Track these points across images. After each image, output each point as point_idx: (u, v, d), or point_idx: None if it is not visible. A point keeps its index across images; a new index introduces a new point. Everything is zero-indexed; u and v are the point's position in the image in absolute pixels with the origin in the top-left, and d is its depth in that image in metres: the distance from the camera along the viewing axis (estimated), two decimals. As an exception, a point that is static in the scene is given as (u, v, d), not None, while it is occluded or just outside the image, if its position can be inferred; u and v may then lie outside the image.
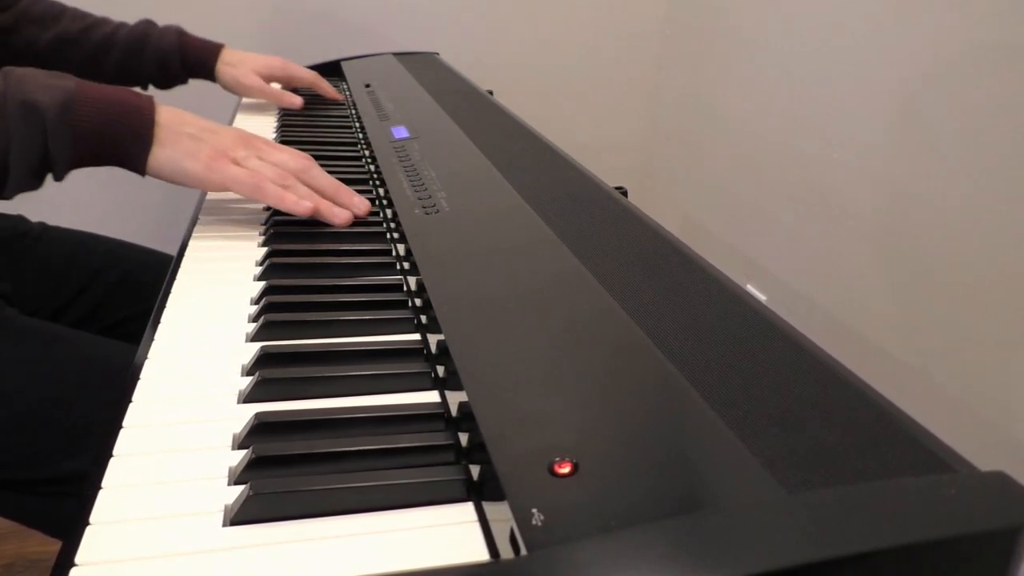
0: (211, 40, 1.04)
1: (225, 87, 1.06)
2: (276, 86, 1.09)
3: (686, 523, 0.28)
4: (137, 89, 0.73)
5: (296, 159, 0.67)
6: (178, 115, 0.63)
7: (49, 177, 0.61)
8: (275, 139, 0.96)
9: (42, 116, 0.57)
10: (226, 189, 0.64)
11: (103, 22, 1.00)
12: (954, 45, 0.99)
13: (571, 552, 0.27)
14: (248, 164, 0.64)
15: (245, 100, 1.18)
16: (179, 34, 1.01)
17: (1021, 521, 0.28)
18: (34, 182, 0.60)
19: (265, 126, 1.03)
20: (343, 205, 0.67)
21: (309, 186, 0.67)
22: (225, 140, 0.64)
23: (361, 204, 0.68)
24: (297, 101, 1.07)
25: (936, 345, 1.03)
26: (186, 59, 1.01)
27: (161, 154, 0.61)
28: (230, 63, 1.03)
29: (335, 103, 1.14)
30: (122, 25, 1.00)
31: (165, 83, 1.03)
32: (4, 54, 0.95)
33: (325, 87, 1.14)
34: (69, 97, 0.58)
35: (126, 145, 0.61)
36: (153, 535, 0.34)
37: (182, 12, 1.44)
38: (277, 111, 1.12)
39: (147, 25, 1.01)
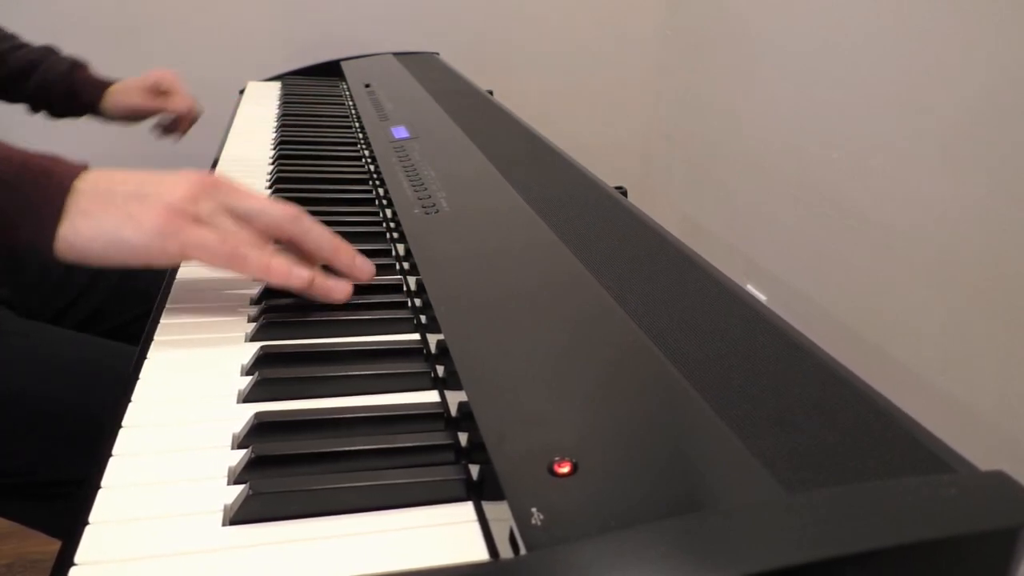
0: (104, 79, 1.04)
1: (114, 117, 1.05)
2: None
3: (686, 523, 0.28)
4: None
5: (280, 207, 0.50)
6: (109, 174, 0.47)
7: None
8: (274, 140, 0.95)
9: None
10: (188, 259, 0.47)
11: (9, 38, 0.99)
12: (954, 45, 0.99)
13: (571, 552, 0.27)
14: (216, 222, 0.47)
15: (247, 94, 1.19)
16: (75, 67, 1.01)
17: (1021, 521, 0.28)
18: None
19: (265, 125, 1.03)
20: (343, 267, 0.53)
21: (300, 244, 0.51)
22: (177, 191, 0.46)
23: (364, 266, 0.53)
24: (189, 102, 1.07)
25: (936, 345, 1.03)
26: (72, 93, 1.00)
27: (83, 225, 0.45)
28: (116, 91, 1.03)
29: (336, 103, 1.14)
30: (23, 46, 1.00)
31: (52, 114, 1.03)
32: None
33: (180, 97, 1.08)
34: None
35: (20, 216, 0.45)
36: (153, 535, 0.34)
37: (181, 13, 1.44)
38: (277, 108, 1.12)
39: (45, 50, 1.00)
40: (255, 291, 0.56)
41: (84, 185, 0.46)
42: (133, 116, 1.06)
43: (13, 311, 0.75)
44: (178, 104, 1.06)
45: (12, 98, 1.01)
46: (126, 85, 1.04)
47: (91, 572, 0.32)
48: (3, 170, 0.45)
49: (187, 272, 0.59)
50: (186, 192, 0.47)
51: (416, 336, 0.51)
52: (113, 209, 0.45)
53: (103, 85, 1.03)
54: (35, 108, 1.03)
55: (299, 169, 0.82)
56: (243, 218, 0.49)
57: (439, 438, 0.40)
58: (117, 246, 0.46)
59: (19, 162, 0.45)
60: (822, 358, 0.40)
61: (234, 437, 0.41)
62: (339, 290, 0.51)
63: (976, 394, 0.97)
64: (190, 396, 0.44)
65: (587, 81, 1.74)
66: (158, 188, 0.47)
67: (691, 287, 0.48)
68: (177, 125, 1.09)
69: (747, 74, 1.46)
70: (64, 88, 1.00)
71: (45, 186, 0.45)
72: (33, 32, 1.04)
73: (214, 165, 0.86)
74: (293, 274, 0.49)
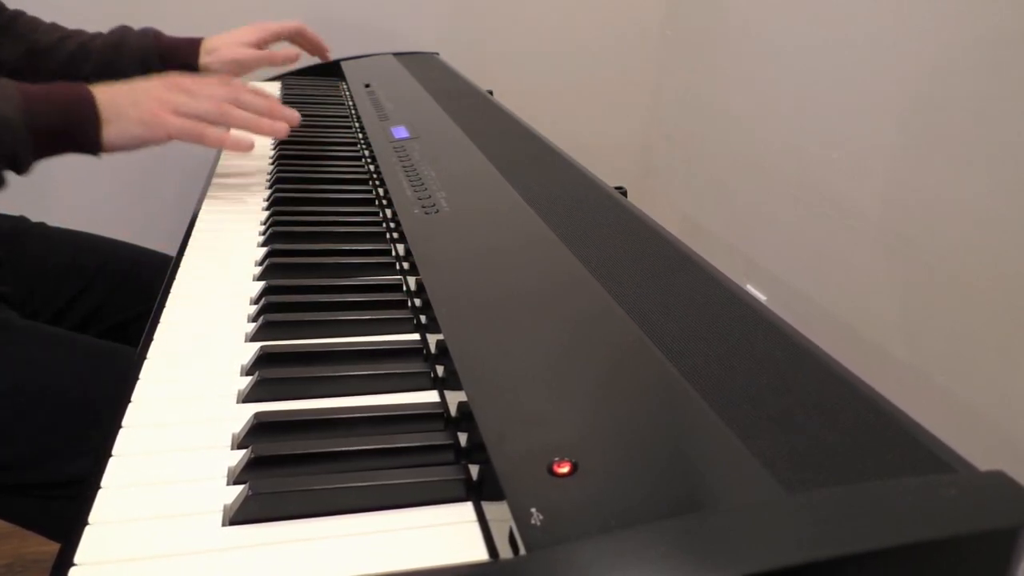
0: (189, 37, 1.02)
1: (217, 70, 1.03)
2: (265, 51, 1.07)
3: (686, 523, 0.28)
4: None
5: (223, 88, 0.73)
6: (112, 90, 0.68)
7: (43, 179, 0.66)
8: (274, 142, 0.95)
9: (9, 126, 0.62)
10: (170, 139, 0.69)
11: (79, 33, 0.98)
12: (953, 44, 0.99)
13: (570, 552, 0.27)
14: (186, 109, 0.69)
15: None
16: (155, 36, 1.00)
17: (1021, 521, 0.28)
18: (1, 182, 0.66)
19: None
20: (279, 118, 0.74)
21: (245, 109, 0.73)
22: (158, 93, 0.69)
23: (292, 115, 0.76)
24: (293, 54, 1.06)
25: (936, 345, 1.03)
26: (166, 59, 0.99)
27: (110, 131, 0.67)
28: (211, 50, 1.02)
29: (336, 103, 1.14)
30: (98, 35, 0.99)
31: None
32: None
33: (311, 36, 1.12)
34: (23, 101, 0.64)
35: (80, 132, 0.66)
36: (152, 535, 0.34)
37: (181, 12, 1.44)
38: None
39: (123, 30, 0.99)
40: (255, 291, 0.56)
41: (101, 99, 0.67)
42: (236, 70, 1.04)
43: (14, 310, 0.74)
44: (279, 59, 1.06)
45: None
46: (220, 42, 1.03)
47: (91, 572, 0.32)
48: (53, 103, 0.65)
49: (187, 273, 0.59)
50: (163, 92, 0.70)
51: (416, 336, 0.51)
52: (124, 116, 0.67)
53: (195, 42, 1.02)
54: None
55: (299, 169, 0.82)
56: (204, 99, 0.71)
57: (439, 438, 0.40)
58: (132, 140, 0.68)
59: (58, 97, 0.66)
60: (822, 358, 0.40)
61: (234, 437, 0.41)
62: (279, 127, 0.74)
63: (976, 394, 0.97)
64: (190, 396, 0.44)
65: (587, 81, 1.74)
66: (146, 95, 0.69)
67: (691, 287, 0.48)
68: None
69: (747, 74, 1.45)
70: (159, 56, 0.98)
71: (85, 107, 0.66)
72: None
73: (214, 165, 0.86)
74: (243, 138, 0.72)
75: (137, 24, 1.03)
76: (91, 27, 1.01)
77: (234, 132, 0.72)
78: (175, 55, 1.00)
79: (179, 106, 0.69)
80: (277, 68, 1.33)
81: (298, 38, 1.12)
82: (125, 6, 1.41)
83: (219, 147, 0.72)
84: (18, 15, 0.96)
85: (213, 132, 0.70)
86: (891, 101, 1.09)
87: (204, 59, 1.01)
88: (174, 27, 1.07)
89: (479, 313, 0.46)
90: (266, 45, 1.06)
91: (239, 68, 1.03)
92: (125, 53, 0.97)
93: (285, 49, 1.06)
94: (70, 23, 1.01)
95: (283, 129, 0.74)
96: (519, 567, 0.28)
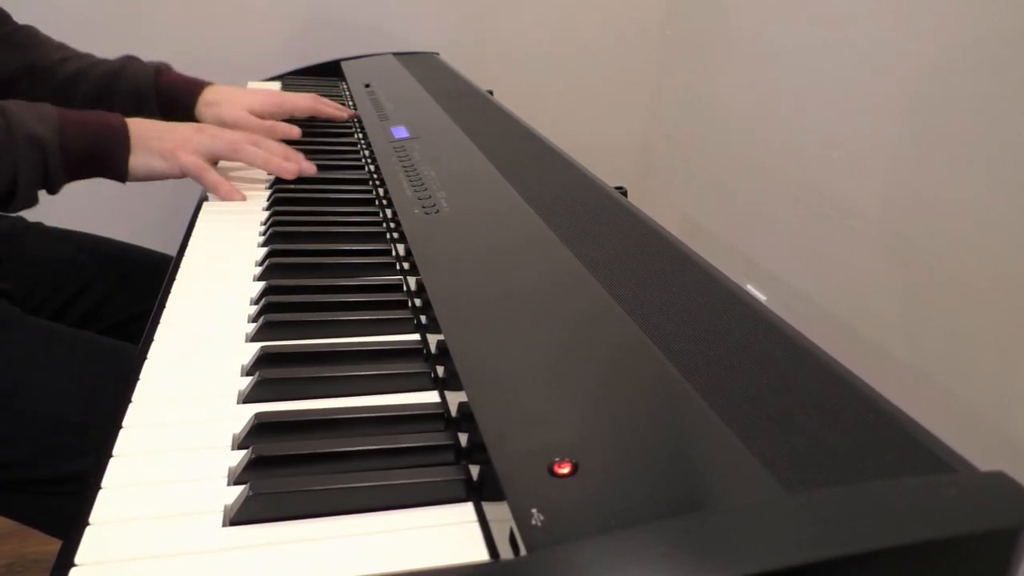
0: (197, 78, 0.95)
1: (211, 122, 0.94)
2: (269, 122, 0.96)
3: (686, 523, 0.28)
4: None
5: (247, 135, 0.79)
6: (143, 124, 0.74)
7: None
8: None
9: (43, 145, 0.66)
10: (183, 175, 0.74)
11: (84, 56, 0.94)
12: (953, 44, 0.99)
13: (571, 552, 0.27)
14: (202, 148, 0.75)
15: None
16: (157, 70, 0.93)
17: (1021, 521, 0.28)
18: (34, 200, 0.69)
19: (265, 126, 1.02)
20: (292, 161, 0.78)
21: (243, 162, 0.77)
22: (183, 134, 0.75)
23: (310, 167, 0.80)
24: (295, 132, 0.92)
25: (936, 345, 1.03)
26: (163, 98, 0.93)
27: (135, 161, 0.72)
28: (211, 102, 0.92)
29: (336, 103, 1.14)
30: (103, 61, 0.93)
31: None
32: None
33: (327, 110, 1.01)
34: (60, 124, 0.68)
35: (110, 159, 0.71)
36: (153, 535, 0.34)
37: (181, 13, 1.44)
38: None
39: (126, 60, 0.94)
40: (255, 291, 0.56)
41: (133, 132, 0.72)
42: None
43: (16, 307, 0.74)
44: (279, 134, 0.91)
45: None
46: (225, 97, 0.94)
47: (91, 572, 0.32)
48: (93, 129, 0.70)
49: (187, 272, 0.59)
50: (188, 134, 0.75)
51: (416, 336, 0.51)
52: (149, 148, 0.73)
53: (197, 87, 0.94)
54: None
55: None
56: (221, 141, 0.77)
57: (439, 438, 0.40)
58: (151, 171, 0.73)
59: (93, 124, 0.71)
60: (822, 358, 0.40)
61: (234, 437, 0.41)
62: (289, 168, 0.78)
63: (976, 394, 0.97)
64: (190, 396, 0.44)
65: (587, 81, 1.74)
66: (171, 135, 0.75)
67: (691, 287, 0.48)
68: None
69: (747, 74, 1.46)
70: (155, 92, 0.92)
71: (116, 136, 0.71)
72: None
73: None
74: (257, 153, 0.78)
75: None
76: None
77: (230, 185, 0.76)
78: (171, 96, 0.93)
79: (197, 145, 0.75)
80: (275, 68, 1.34)
81: (316, 115, 1.02)
82: (124, 5, 1.42)
83: (214, 192, 0.75)
84: (22, 28, 0.94)
85: (212, 175, 0.75)
86: (891, 101, 1.10)
87: (201, 109, 0.93)
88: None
89: (479, 313, 0.46)
90: (272, 117, 0.95)
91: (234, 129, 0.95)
92: (121, 85, 0.91)
93: (288, 125, 0.94)
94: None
95: (292, 170, 0.78)
96: (519, 567, 0.28)
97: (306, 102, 1.00)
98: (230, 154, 0.77)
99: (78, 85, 0.92)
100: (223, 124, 0.92)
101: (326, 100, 1.03)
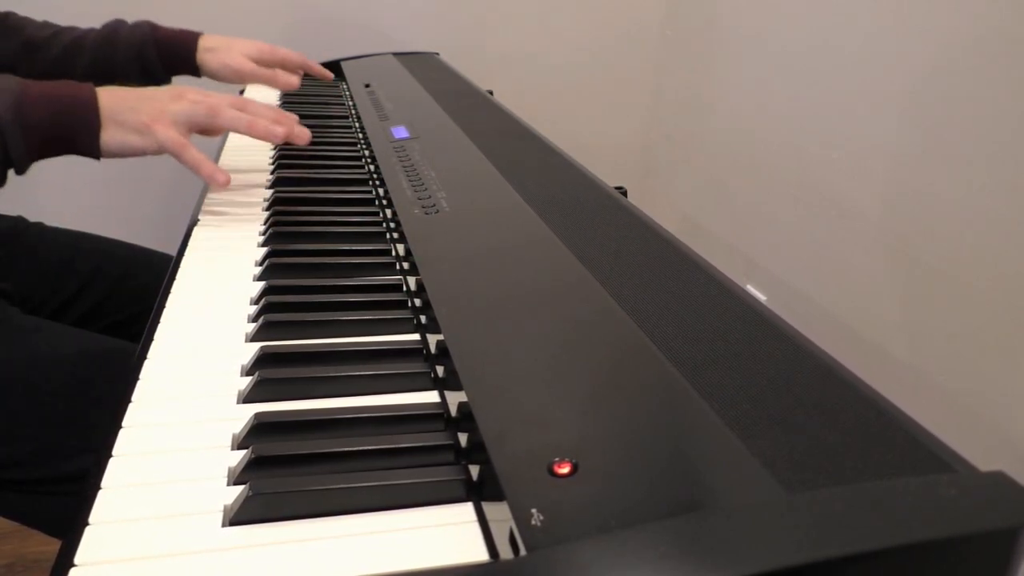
0: (188, 29, 0.98)
1: (212, 76, 0.98)
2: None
3: (686, 523, 0.28)
4: None
5: (231, 97, 0.72)
6: (116, 94, 0.67)
7: (40, 179, 0.65)
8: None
9: None
10: (162, 150, 0.68)
11: (72, 29, 0.95)
12: (953, 44, 0.99)
13: (570, 552, 0.27)
14: (181, 116, 0.68)
15: (245, 93, 1.18)
16: (151, 27, 0.95)
17: (1021, 521, 0.28)
18: (1, 181, 0.64)
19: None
20: (283, 124, 0.72)
21: (221, 128, 0.72)
22: (159, 103, 0.68)
23: (303, 132, 0.74)
24: (295, 81, 1.00)
25: (936, 345, 1.03)
26: (163, 51, 0.95)
27: (108, 136, 0.66)
28: (212, 48, 0.96)
29: (336, 103, 1.14)
30: (92, 30, 0.95)
31: (146, 84, 0.96)
32: None
33: (314, 66, 1.08)
34: (17, 99, 0.62)
35: (77, 135, 0.65)
36: (153, 535, 0.34)
37: (180, 13, 1.44)
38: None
39: (116, 23, 0.96)
40: (255, 291, 0.56)
41: (103, 103, 0.66)
42: (232, 77, 0.98)
43: (15, 306, 0.74)
44: (281, 83, 1.00)
45: (99, 81, 0.91)
46: (223, 44, 0.97)
47: (91, 572, 0.32)
48: (57, 103, 0.64)
49: (187, 272, 0.59)
50: (165, 102, 0.68)
51: (416, 336, 0.51)
52: (122, 122, 0.66)
53: (193, 35, 0.96)
54: (124, 85, 0.95)
55: (299, 169, 0.82)
56: (203, 105, 0.70)
57: (439, 438, 0.40)
58: (126, 147, 0.67)
59: (58, 97, 0.64)
60: (822, 358, 0.40)
61: (234, 437, 0.41)
62: (277, 131, 0.72)
63: (976, 394, 0.97)
64: (190, 396, 0.44)
65: (587, 81, 1.74)
66: (148, 104, 0.67)
67: (691, 287, 0.48)
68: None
69: (747, 74, 1.46)
70: (155, 46, 0.94)
71: (84, 109, 0.65)
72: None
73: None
74: (242, 117, 0.71)
75: (129, 16, 1.02)
76: (89, 24, 1.01)
77: (212, 165, 0.69)
78: (171, 46, 0.95)
79: (176, 114, 0.68)
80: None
81: (303, 69, 1.06)
82: (124, 5, 1.42)
83: (196, 170, 0.68)
84: (5, 16, 0.94)
85: (193, 152, 0.68)
86: (891, 101, 1.10)
87: (202, 55, 0.96)
88: (172, 26, 1.06)
89: (479, 313, 0.46)
90: (266, 65, 1.01)
91: (235, 76, 0.98)
92: (120, 45, 0.94)
93: (289, 74, 1.00)
94: (67, 20, 1.00)
95: (280, 133, 0.72)
96: (519, 567, 0.28)
97: (295, 55, 1.04)
98: (211, 119, 0.70)
99: (76, 55, 0.93)
100: (229, 68, 0.96)
101: (313, 62, 1.08)
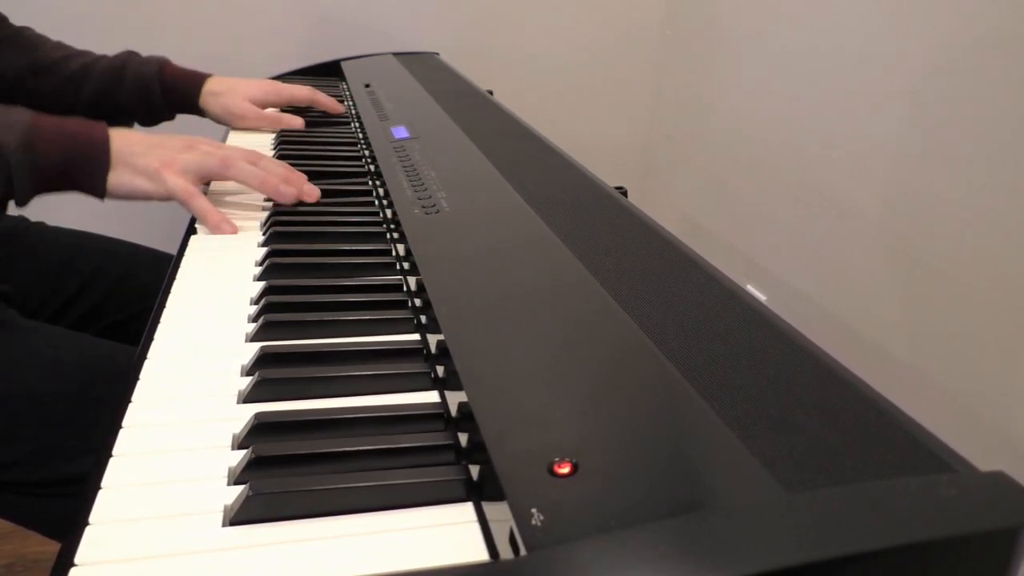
0: (197, 70, 0.98)
1: (214, 119, 0.99)
2: (271, 110, 1.02)
3: (686, 523, 0.28)
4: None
5: (244, 151, 0.71)
6: (128, 137, 0.67)
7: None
8: (275, 142, 0.95)
9: (3, 154, 0.61)
10: (170, 197, 0.67)
11: (85, 53, 0.95)
12: (953, 44, 0.99)
13: (571, 552, 0.27)
14: (191, 166, 0.68)
15: None
16: (160, 64, 0.95)
17: (1021, 521, 0.28)
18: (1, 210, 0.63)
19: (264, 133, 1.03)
20: (293, 185, 0.71)
21: (234, 180, 0.71)
22: (170, 151, 0.68)
23: (312, 191, 0.73)
24: (298, 122, 1.00)
25: (936, 345, 1.03)
26: (167, 91, 0.95)
27: (115, 178, 0.66)
28: (216, 92, 0.97)
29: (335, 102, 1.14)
30: (103, 57, 0.95)
31: (149, 118, 0.97)
32: None
33: (323, 100, 1.05)
34: (29, 134, 0.62)
35: (85, 174, 0.65)
36: (153, 535, 0.34)
37: (180, 13, 1.44)
38: (277, 108, 1.11)
39: (128, 55, 0.95)
40: (255, 291, 0.56)
41: (114, 145, 0.66)
42: (234, 123, 0.99)
43: (13, 308, 0.74)
44: (283, 124, 1.00)
45: (102, 111, 0.93)
46: (227, 87, 0.98)
47: (91, 572, 0.32)
48: (69, 140, 0.64)
49: (187, 272, 0.59)
50: (176, 151, 0.68)
51: (416, 336, 0.51)
52: (131, 165, 0.66)
53: (200, 78, 0.97)
54: (127, 118, 0.96)
55: (299, 169, 0.82)
56: (216, 157, 0.70)
57: (439, 438, 0.40)
58: (133, 190, 0.67)
59: (70, 133, 0.65)
60: (822, 358, 0.40)
61: (234, 437, 0.41)
62: (287, 192, 0.71)
63: (976, 394, 0.97)
64: (190, 396, 0.44)
65: (587, 81, 1.74)
66: (159, 151, 0.68)
67: (691, 287, 0.48)
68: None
69: (747, 74, 1.46)
70: (160, 85, 0.94)
71: (94, 150, 0.65)
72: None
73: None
74: (256, 173, 0.71)
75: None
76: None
77: (220, 215, 0.68)
78: (176, 88, 0.95)
79: (187, 163, 0.68)
80: (275, 68, 1.34)
81: (312, 106, 1.06)
82: (124, 5, 1.42)
83: (203, 220, 0.67)
84: (22, 30, 0.94)
85: (201, 202, 0.68)
86: (891, 101, 1.10)
87: (205, 99, 0.96)
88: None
89: (479, 313, 0.46)
90: (272, 105, 1.02)
91: (237, 121, 0.99)
92: (126, 80, 0.93)
93: (293, 116, 1.01)
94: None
95: (291, 194, 0.71)
96: (519, 567, 0.28)
97: (304, 92, 1.03)
98: (222, 172, 0.70)
99: (82, 82, 0.93)
100: (230, 114, 0.97)
101: (322, 95, 1.05)
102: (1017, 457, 0.92)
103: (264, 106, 1.00)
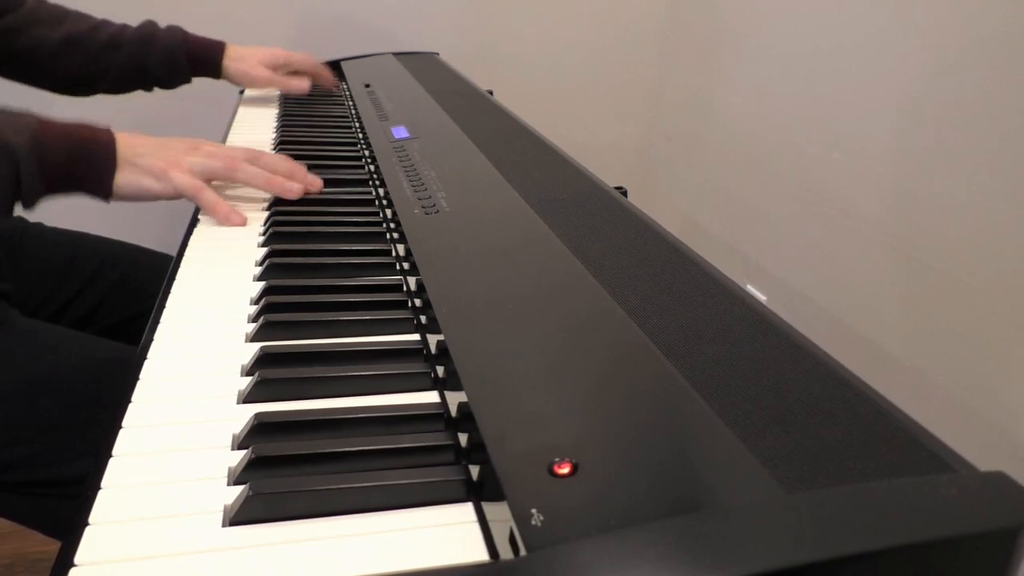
0: (213, 38, 1.08)
1: (233, 81, 1.09)
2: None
3: (685, 523, 0.28)
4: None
5: (245, 150, 0.72)
6: (133, 139, 0.68)
7: None
8: (274, 140, 0.96)
9: (14, 156, 0.61)
10: (178, 195, 0.69)
11: (107, 23, 1.02)
12: (953, 44, 0.99)
13: (571, 552, 0.27)
14: (198, 167, 0.69)
15: (247, 94, 1.19)
16: (183, 33, 1.04)
17: (1021, 521, 0.28)
18: (6, 214, 0.64)
19: (265, 125, 1.03)
20: (299, 181, 0.73)
21: (263, 168, 0.72)
22: (176, 153, 0.69)
23: (315, 181, 0.75)
24: (305, 85, 1.13)
25: (936, 345, 1.03)
26: (192, 57, 1.04)
27: (122, 178, 0.66)
28: (235, 58, 1.07)
29: (336, 103, 1.14)
30: (126, 26, 1.02)
31: (170, 83, 1.05)
32: (10, 55, 0.96)
33: (322, 72, 1.18)
34: (36, 136, 0.62)
35: (91, 175, 0.65)
36: (153, 535, 0.34)
37: (180, 11, 1.44)
38: (277, 108, 1.12)
39: (151, 25, 1.03)
40: (255, 291, 0.56)
41: (120, 147, 0.67)
42: (250, 84, 1.11)
43: (14, 308, 0.74)
44: (293, 87, 1.12)
45: (130, 77, 1.03)
46: (244, 53, 1.08)
47: (91, 572, 0.32)
48: (75, 141, 0.64)
49: (187, 273, 0.59)
50: (180, 152, 0.69)
51: (416, 336, 0.51)
52: (137, 165, 0.67)
53: (220, 45, 1.07)
54: (152, 83, 1.05)
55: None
56: (219, 157, 0.71)
57: (439, 438, 0.40)
58: (140, 190, 0.67)
59: (76, 135, 0.65)
60: (822, 358, 0.40)
61: (234, 437, 0.41)
62: (293, 188, 0.72)
63: (976, 394, 0.97)
64: (190, 396, 0.44)
65: (587, 81, 1.74)
66: (164, 151, 0.69)
67: (691, 287, 0.48)
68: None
69: (748, 74, 1.46)
70: (186, 53, 1.03)
71: (98, 153, 0.66)
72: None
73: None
74: (258, 173, 0.72)
75: (137, 14, 1.05)
76: (95, 14, 1.03)
77: (228, 206, 0.69)
78: (199, 56, 1.05)
79: (193, 164, 0.69)
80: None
81: (310, 72, 1.17)
82: (124, 5, 1.42)
83: (212, 212, 0.69)
84: (41, 3, 0.98)
85: (210, 195, 0.69)
86: (891, 101, 1.10)
87: (227, 62, 1.06)
88: (173, 22, 1.07)
89: (479, 313, 0.46)
90: (279, 70, 1.13)
91: (253, 83, 1.10)
92: (155, 47, 1.01)
93: (300, 79, 1.13)
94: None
95: (296, 190, 0.72)
96: (519, 567, 0.28)
97: (307, 62, 1.16)
98: (227, 173, 0.70)
99: (112, 54, 1.00)
100: (247, 76, 1.08)
101: (322, 67, 1.19)
102: (1017, 457, 0.92)
103: (275, 69, 1.11)
